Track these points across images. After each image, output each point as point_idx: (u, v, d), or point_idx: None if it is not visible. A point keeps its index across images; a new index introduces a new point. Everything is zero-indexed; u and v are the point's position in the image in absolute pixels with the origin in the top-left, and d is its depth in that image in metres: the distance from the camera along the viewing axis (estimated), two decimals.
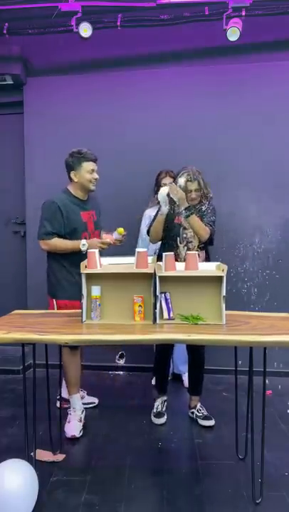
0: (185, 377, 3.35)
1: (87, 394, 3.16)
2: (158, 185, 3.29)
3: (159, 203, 3.21)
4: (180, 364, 3.48)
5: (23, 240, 4.05)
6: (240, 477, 2.25)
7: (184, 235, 2.78)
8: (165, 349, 2.92)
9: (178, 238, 2.78)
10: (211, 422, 2.80)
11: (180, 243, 2.78)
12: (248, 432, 2.26)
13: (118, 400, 3.14)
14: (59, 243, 2.71)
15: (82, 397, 3.08)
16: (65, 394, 3.01)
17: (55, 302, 2.79)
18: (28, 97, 3.86)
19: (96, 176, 2.79)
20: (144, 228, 3.36)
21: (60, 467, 2.36)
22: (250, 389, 2.08)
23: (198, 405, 2.90)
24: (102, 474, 2.29)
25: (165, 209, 2.71)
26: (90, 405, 3.08)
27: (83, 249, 2.64)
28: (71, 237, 2.73)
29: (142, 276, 2.23)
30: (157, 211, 2.81)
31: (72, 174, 2.77)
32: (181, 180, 2.74)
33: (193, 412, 2.90)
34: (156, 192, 3.27)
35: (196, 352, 2.86)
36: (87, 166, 2.75)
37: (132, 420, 2.89)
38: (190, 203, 2.72)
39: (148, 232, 2.94)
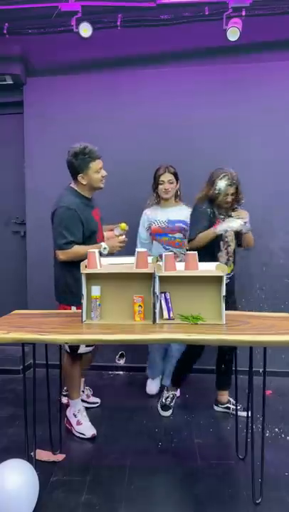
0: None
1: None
2: (156, 183, 3.15)
3: (157, 199, 3.14)
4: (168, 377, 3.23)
5: (23, 239, 4.05)
6: (240, 477, 2.25)
7: (226, 239, 2.79)
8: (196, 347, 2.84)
9: (221, 242, 2.78)
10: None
11: (222, 246, 2.79)
12: (248, 431, 2.26)
13: (118, 399, 3.14)
14: (77, 250, 2.51)
15: (88, 396, 3.09)
16: None
17: (74, 309, 2.58)
18: (28, 97, 3.86)
19: (104, 173, 2.64)
20: (142, 231, 3.27)
21: (60, 467, 2.36)
22: (250, 389, 2.08)
23: (232, 399, 2.92)
24: (102, 474, 2.29)
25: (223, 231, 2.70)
26: (94, 405, 3.09)
27: (104, 253, 2.51)
28: (90, 241, 2.61)
29: (141, 276, 2.23)
30: (208, 226, 2.73)
31: (79, 177, 2.60)
32: (222, 184, 2.70)
33: (229, 407, 2.96)
34: (156, 188, 3.16)
35: (225, 346, 2.78)
36: (95, 165, 2.59)
37: (132, 420, 2.89)
38: (225, 206, 2.75)
39: (190, 239, 2.80)
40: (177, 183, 3.17)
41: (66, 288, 2.64)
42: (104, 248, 2.54)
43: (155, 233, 3.19)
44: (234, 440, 2.48)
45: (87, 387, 3.16)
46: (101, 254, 2.42)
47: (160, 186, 3.15)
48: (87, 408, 2.92)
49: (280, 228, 3.63)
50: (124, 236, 2.75)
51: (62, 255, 2.55)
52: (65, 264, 2.60)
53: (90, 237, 2.62)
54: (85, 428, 2.70)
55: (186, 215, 3.05)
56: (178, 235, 3.16)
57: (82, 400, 2.99)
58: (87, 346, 2.67)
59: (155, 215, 3.20)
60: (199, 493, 2.12)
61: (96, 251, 2.25)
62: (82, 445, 2.63)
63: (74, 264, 2.49)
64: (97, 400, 3.14)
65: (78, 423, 2.72)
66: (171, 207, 3.20)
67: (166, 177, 3.12)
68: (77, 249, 2.52)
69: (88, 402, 3.07)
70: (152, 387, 3.34)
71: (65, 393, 2.94)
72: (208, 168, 3.57)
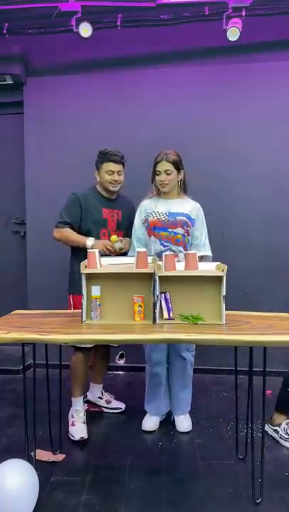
0: (178, 420, 2.83)
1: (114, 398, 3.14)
2: (154, 173, 2.70)
3: (157, 191, 2.75)
4: (176, 407, 2.87)
5: (23, 239, 4.06)
6: (240, 477, 2.25)
7: None
8: None
9: None
10: None
11: None
12: (248, 431, 2.26)
13: (118, 400, 3.13)
14: (69, 233, 2.72)
15: (108, 402, 3.07)
16: (90, 396, 3.05)
17: (71, 298, 2.78)
18: (28, 97, 3.86)
19: (116, 177, 2.74)
20: (138, 225, 2.75)
21: (60, 467, 2.36)
22: (250, 389, 2.08)
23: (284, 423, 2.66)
24: (102, 474, 2.29)
25: None
26: (117, 411, 3.03)
27: (88, 243, 2.65)
28: (89, 233, 2.73)
29: (142, 276, 2.23)
30: None
31: (96, 173, 2.81)
32: None
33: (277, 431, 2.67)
34: (153, 179, 2.70)
35: None
36: (107, 166, 2.74)
37: (132, 420, 2.89)
38: None
39: None
40: (179, 173, 2.70)
41: (69, 278, 2.85)
42: (90, 239, 2.67)
43: (152, 226, 2.68)
44: (234, 440, 2.48)
45: (107, 393, 3.12)
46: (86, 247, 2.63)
47: (156, 177, 2.68)
48: (109, 414, 2.99)
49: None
50: (120, 244, 2.72)
51: (56, 233, 2.76)
52: (71, 256, 2.84)
53: (89, 230, 2.73)
54: (76, 430, 2.67)
55: (190, 209, 2.71)
56: (179, 230, 2.66)
57: (103, 407, 3.04)
58: None
59: (154, 206, 2.72)
60: (199, 493, 2.12)
61: (96, 251, 2.26)
62: (82, 445, 2.62)
63: (72, 254, 2.81)
64: (121, 405, 3.06)
65: (72, 424, 2.72)
66: (174, 199, 2.74)
67: (163, 166, 2.63)
68: (69, 233, 2.72)
69: (109, 408, 3.04)
70: (151, 422, 2.81)
71: (85, 399, 2.96)
72: (208, 168, 3.59)
